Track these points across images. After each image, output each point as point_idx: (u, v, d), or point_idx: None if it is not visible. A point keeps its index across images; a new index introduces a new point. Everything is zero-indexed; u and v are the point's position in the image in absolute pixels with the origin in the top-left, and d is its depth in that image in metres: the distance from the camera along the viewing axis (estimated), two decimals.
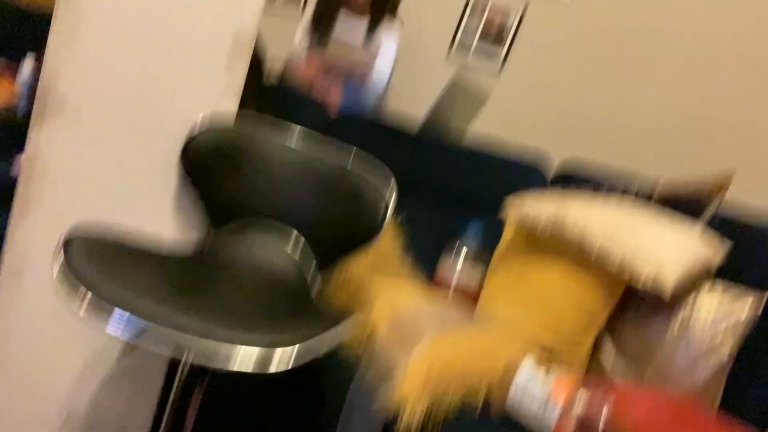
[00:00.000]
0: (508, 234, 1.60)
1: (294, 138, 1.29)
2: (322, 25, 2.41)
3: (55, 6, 1.18)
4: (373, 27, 2.42)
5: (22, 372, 1.30)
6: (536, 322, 1.36)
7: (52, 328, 1.28)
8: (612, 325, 1.36)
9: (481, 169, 1.84)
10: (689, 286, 1.26)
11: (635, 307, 1.35)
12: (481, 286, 1.57)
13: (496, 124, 2.49)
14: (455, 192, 1.84)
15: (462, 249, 1.61)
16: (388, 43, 2.44)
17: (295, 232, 1.22)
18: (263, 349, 0.76)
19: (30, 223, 1.25)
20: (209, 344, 0.76)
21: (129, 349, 1.13)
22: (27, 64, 2.22)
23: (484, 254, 1.60)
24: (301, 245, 1.21)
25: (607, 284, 1.32)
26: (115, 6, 1.19)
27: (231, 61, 1.26)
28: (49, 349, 1.29)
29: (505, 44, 2.65)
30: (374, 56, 2.42)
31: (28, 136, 1.22)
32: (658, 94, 2.42)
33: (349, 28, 2.43)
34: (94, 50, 1.20)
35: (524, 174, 1.78)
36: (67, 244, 0.92)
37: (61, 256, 0.89)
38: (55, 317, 1.27)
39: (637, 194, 1.48)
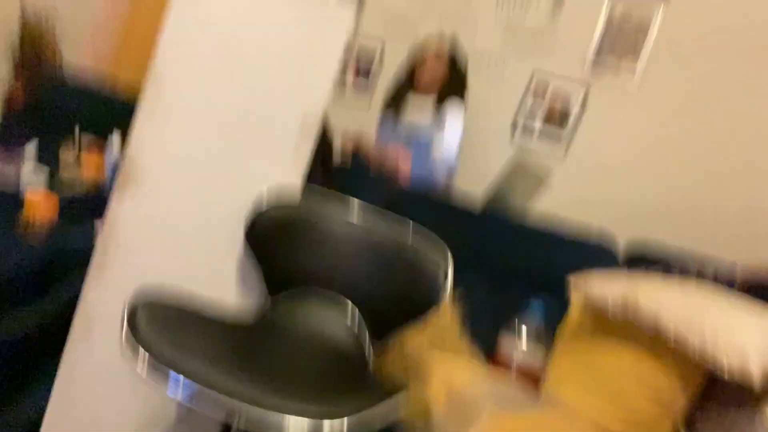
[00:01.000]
0: (573, 314, 1.53)
1: (354, 212, 1.32)
2: (394, 106, 2.68)
3: (143, 86, 1.29)
4: (439, 102, 2.59)
5: (80, 426, 1.32)
6: (604, 411, 1.27)
7: (113, 386, 1.31)
8: (690, 421, 1.25)
9: (545, 247, 1.80)
10: None
11: (717, 399, 1.23)
12: (543, 367, 1.50)
13: (560, 206, 2.46)
14: (517, 269, 1.80)
15: (524, 327, 1.55)
16: (454, 119, 2.59)
17: (351, 304, 1.22)
18: (313, 420, 0.74)
19: (103, 284, 1.31)
20: (259, 412, 0.75)
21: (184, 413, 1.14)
22: (114, 141, 2.41)
23: (546, 334, 1.54)
24: (357, 317, 1.21)
25: (684, 372, 1.22)
26: (195, 88, 1.30)
27: (298, 140, 1.33)
28: (109, 405, 1.32)
29: (567, 126, 2.70)
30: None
31: (108, 204, 1.30)
32: (724, 178, 2.34)
33: (417, 106, 2.63)
34: (175, 127, 1.30)
35: (591, 253, 1.73)
36: (133, 307, 0.96)
37: (126, 319, 0.93)
38: (118, 376, 1.31)
39: (715, 279, 1.39)
